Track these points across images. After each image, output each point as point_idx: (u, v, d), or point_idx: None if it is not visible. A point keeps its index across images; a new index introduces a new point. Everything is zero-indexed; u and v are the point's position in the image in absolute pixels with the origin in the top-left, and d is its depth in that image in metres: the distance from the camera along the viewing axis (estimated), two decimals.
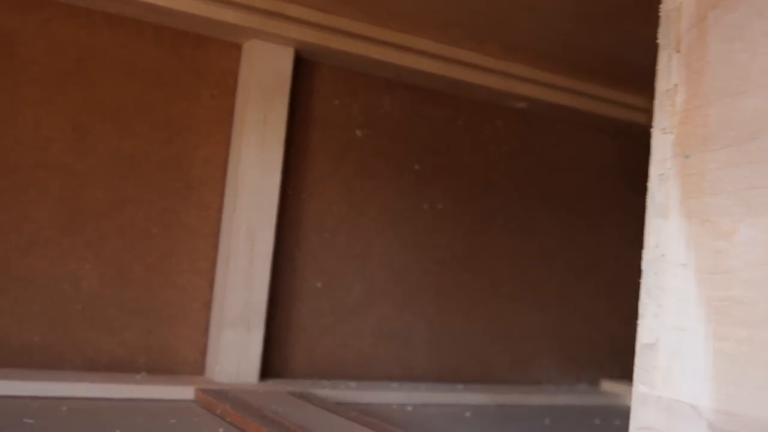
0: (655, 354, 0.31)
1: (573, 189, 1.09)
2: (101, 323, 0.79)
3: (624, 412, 0.98)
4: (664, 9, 0.34)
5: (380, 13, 0.81)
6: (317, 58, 0.89)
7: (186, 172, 0.83)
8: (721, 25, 0.31)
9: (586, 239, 1.10)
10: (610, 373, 1.12)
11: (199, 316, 0.84)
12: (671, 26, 0.33)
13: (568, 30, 0.80)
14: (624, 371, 1.13)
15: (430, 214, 0.98)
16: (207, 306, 0.84)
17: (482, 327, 1.02)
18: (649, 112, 1.14)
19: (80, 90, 0.79)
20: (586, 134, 1.10)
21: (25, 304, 0.76)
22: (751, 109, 0.29)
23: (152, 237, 0.82)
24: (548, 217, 1.07)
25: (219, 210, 0.85)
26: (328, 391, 0.82)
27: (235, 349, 0.82)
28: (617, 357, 1.12)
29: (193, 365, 0.84)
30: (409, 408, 0.84)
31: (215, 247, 0.85)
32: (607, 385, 1.08)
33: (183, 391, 0.75)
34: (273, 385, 0.82)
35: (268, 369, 0.87)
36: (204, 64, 0.84)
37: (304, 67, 0.89)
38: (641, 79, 0.96)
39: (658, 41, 0.34)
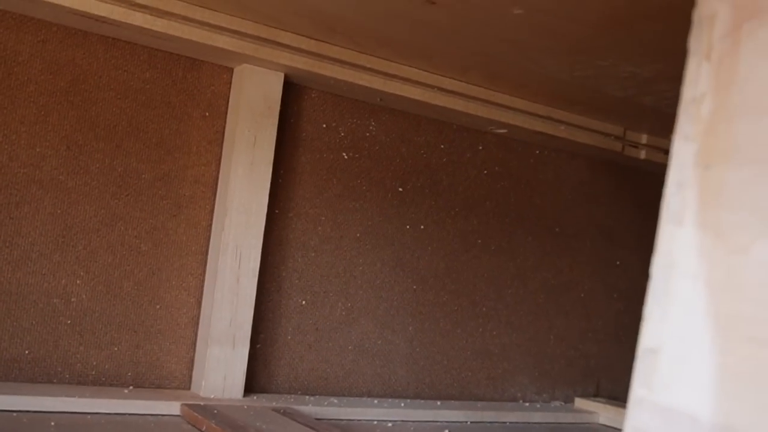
0: (656, 359, 0.31)
1: (549, 211, 1.13)
2: (90, 338, 0.81)
3: (597, 429, 1.01)
4: (698, 15, 0.32)
5: (368, 41, 0.84)
6: (306, 82, 0.91)
7: (176, 190, 0.85)
8: (756, 37, 0.30)
9: (561, 260, 1.13)
10: (584, 391, 1.15)
11: (187, 331, 0.86)
12: (704, 33, 0.32)
13: (547, 63, 0.84)
14: (598, 389, 1.16)
15: (412, 234, 1.01)
16: (194, 322, 0.86)
17: (460, 345, 1.04)
18: (621, 140, 1.17)
19: (74, 109, 0.80)
20: (562, 159, 1.13)
21: (16, 318, 0.77)
22: None
23: (142, 254, 0.84)
24: (525, 238, 1.10)
25: (208, 228, 0.87)
26: (311, 407, 0.85)
27: (221, 365, 0.84)
28: (591, 375, 1.16)
29: (180, 380, 0.86)
30: (389, 424, 0.86)
31: (203, 264, 0.87)
32: (581, 403, 1.11)
33: (169, 407, 0.77)
34: (257, 401, 0.84)
35: (253, 384, 0.89)
36: (196, 86, 0.87)
37: (293, 91, 0.92)
38: (615, 108, 1.00)
39: (688, 46, 0.33)
